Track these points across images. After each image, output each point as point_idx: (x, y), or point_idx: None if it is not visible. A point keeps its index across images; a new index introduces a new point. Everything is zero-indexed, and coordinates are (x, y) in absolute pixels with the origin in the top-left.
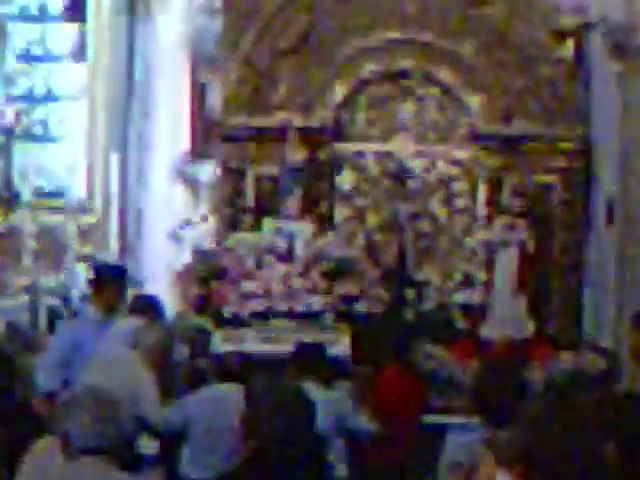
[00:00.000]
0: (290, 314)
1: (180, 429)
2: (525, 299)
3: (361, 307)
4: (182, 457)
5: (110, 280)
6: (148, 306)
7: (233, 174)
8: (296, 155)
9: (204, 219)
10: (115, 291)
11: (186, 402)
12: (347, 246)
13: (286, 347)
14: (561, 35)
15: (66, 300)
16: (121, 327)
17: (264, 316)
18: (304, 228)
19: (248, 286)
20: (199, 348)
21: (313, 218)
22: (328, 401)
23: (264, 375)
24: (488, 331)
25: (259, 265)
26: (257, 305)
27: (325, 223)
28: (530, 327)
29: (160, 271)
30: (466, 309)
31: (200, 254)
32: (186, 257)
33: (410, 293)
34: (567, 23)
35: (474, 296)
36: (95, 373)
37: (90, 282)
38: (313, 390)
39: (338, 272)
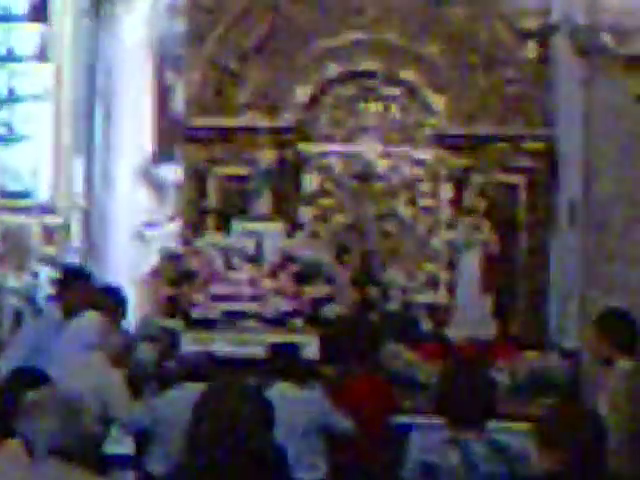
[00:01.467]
0: (259, 316)
1: (149, 429)
2: (490, 299)
3: (330, 309)
4: (151, 456)
5: (74, 282)
6: (111, 301)
7: (198, 175)
8: (265, 156)
9: (170, 220)
10: (79, 293)
11: (155, 402)
12: (315, 248)
13: (256, 349)
14: (525, 36)
15: (30, 301)
16: (82, 326)
17: (233, 318)
18: (273, 229)
19: (217, 288)
20: (166, 349)
21: (281, 219)
22: (306, 400)
23: (229, 375)
24: (453, 332)
25: (227, 267)
26: (226, 307)
27: (292, 224)
28: (495, 328)
29: (125, 272)
30: (431, 310)
31: (168, 256)
32: (152, 259)
33: (375, 294)
34: (531, 24)
35: (439, 297)
36: (60, 374)
37: (54, 283)
38: (291, 390)
39: (307, 274)
